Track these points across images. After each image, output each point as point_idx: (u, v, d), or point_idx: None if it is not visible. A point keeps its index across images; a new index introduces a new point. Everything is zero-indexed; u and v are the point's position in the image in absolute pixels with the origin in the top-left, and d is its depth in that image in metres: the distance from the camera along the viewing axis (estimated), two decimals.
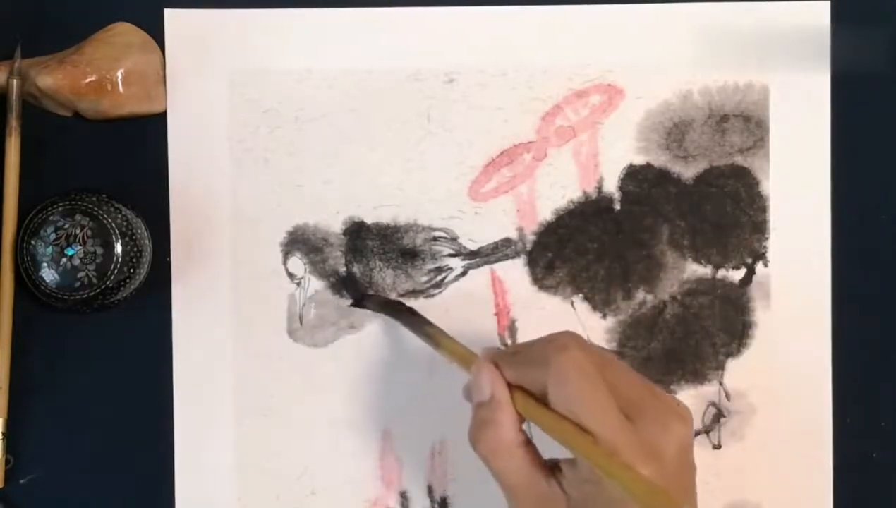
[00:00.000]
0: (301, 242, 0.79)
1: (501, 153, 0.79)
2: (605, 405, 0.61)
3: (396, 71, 0.79)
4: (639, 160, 0.79)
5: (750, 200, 0.80)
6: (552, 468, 0.65)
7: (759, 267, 0.80)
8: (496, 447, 0.65)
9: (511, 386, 0.65)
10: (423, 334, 0.73)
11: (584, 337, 0.78)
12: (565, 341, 0.64)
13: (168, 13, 0.78)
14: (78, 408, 0.78)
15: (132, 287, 0.74)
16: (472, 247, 0.79)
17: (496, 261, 0.79)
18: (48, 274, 0.72)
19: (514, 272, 0.79)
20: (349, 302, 0.79)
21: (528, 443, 0.65)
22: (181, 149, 0.78)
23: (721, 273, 0.80)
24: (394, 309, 0.77)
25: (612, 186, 0.79)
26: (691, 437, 0.63)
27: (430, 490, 0.79)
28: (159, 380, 0.78)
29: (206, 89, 0.78)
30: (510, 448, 0.64)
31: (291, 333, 0.79)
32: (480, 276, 0.79)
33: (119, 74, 0.75)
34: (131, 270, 0.73)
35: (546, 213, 0.79)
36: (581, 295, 0.79)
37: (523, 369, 0.65)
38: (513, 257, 0.79)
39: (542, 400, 0.64)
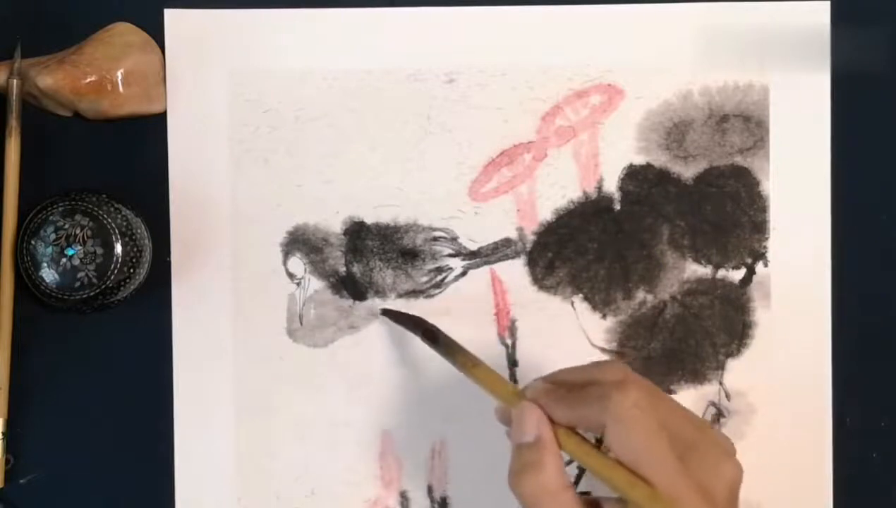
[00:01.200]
0: (301, 242, 0.79)
1: (501, 153, 0.79)
2: (665, 452, 0.60)
3: (396, 71, 0.79)
4: (639, 160, 0.79)
5: (750, 200, 0.79)
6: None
7: (759, 267, 0.79)
8: (540, 491, 0.62)
9: (555, 425, 0.64)
10: (456, 361, 0.71)
11: (584, 337, 0.79)
12: (622, 377, 0.63)
13: (168, 13, 0.78)
14: (78, 408, 0.78)
15: (132, 287, 0.74)
16: (472, 247, 0.79)
17: (496, 261, 0.79)
18: (48, 274, 0.72)
19: (514, 272, 0.79)
20: (350, 302, 0.79)
21: (572, 487, 0.63)
22: (181, 149, 0.78)
23: (721, 273, 0.80)
24: (421, 329, 0.75)
25: (612, 186, 0.79)
26: (741, 475, 0.63)
27: (429, 491, 0.79)
28: (159, 380, 0.78)
29: (206, 89, 0.78)
30: (556, 493, 0.62)
31: (291, 333, 0.79)
32: (480, 276, 0.79)
33: (119, 74, 0.75)
34: (131, 270, 0.73)
35: (546, 213, 0.79)
36: (581, 295, 0.79)
37: (576, 409, 0.63)
38: (513, 257, 0.79)
39: (587, 439, 0.63)
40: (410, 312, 0.78)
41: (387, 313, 0.78)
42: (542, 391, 0.65)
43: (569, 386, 0.65)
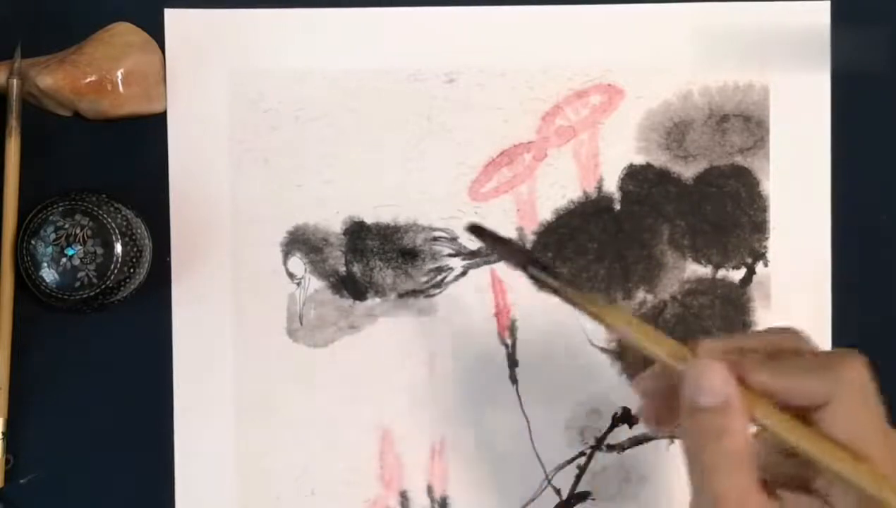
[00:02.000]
0: (301, 242, 0.79)
1: (501, 153, 0.79)
2: (888, 430, 0.56)
3: (397, 71, 0.79)
4: (639, 160, 0.79)
5: (750, 200, 0.79)
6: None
7: (760, 267, 0.79)
8: (724, 460, 0.55)
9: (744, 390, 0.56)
10: (585, 309, 0.59)
11: (585, 337, 0.79)
12: (850, 353, 0.57)
13: (168, 13, 0.78)
14: (78, 408, 0.78)
15: (132, 287, 0.74)
16: (472, 246, 0.79)
17: (496, 261, 0.79)
18: (48, 274, 0.72)
19: (515, 272, 0.76)
20: (350, 301, 0.79)
21: (754, 458, 0.56)
22: (181, 148, 0.78)
23: (721, 273, 0.79)
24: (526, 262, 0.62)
25: (612, 186, 0.79)
26: None
27: (429, 490, 0.79)
28: (159, 380, 0.78)
29: (207, 89, 0.78)
30: (740, 463, 0.55)
31: (291, 333, 0.79)
32: (480, 276, 0.79)
33: (119, 74, 0.75)
34: (131, 270, 0.73)
35: (546, 213, 0.79)
36: None
37: (790, 377, 0.56)
38: None
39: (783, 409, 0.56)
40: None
41: (477, 232, 0.64)
42: (723, 351, 0.57)
43: (757, 352, 0.58)
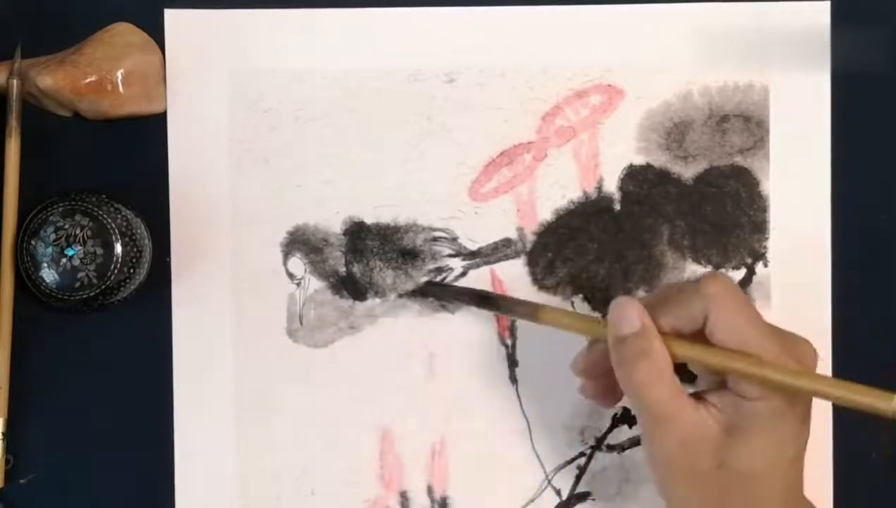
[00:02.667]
0: (301, 242, 0.78)
1: (501, 153, 0.79)
2: (769, 328, 0.66)
3: (396, 71, 0.78)
4: (639, 160, 0.79)
5: (750, 200, 0.79)
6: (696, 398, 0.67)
7: (759, 267, 0.79)
8: (652, 377, 0.66)
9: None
10: (521, 315, 0.74)
11: (585, 338, 0.77)
12: (712, 273, 0.68)
13: (168, 13, 0.77)
14: (78, 408, 0.77)
15: (132, 287, 0.74)
16: (472, 247, 0.79)
17: (496, 262, 0.79)
18: (48, 275, 0.72)
19: (515, 272, 0.79)
20: (350, 302, 0.78)
21: (675, 373, 0.67)
22: (181, 149, 0.78)
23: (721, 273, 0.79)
24: (473, 298, 0.77)
25: (612, 186, 0.79)
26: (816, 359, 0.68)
27: (429, 491, 0.79)
28: (159, 380, 0.77)
29: (207, 89, 0.78)
30: (666, 376, 0.66)
31: (291, 333, 0.78)
32: (480, 276, 0.79)
33: (119, 75, 0.74)
34: (131, 270, 0.73)
35: (546, 213, 0.79)
36: (581, 295, 0.79)
37: (675, 310, 0.67)
38: (513, 257, 0.79)
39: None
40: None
41: (431, 288, 0.78)
42: (632, 302, 0.68)
43: (661, 293, 0.70)
